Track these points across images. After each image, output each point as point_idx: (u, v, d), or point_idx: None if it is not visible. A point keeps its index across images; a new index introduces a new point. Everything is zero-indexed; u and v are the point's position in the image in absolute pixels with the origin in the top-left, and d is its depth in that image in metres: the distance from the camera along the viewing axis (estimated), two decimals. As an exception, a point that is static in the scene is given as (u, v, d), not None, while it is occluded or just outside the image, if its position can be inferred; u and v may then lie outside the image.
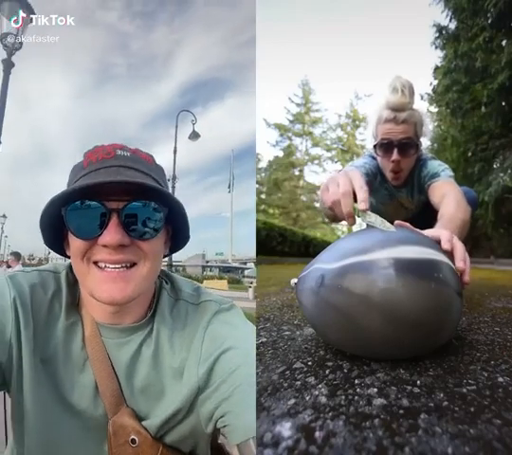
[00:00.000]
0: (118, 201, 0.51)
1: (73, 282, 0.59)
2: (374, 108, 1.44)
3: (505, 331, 0.89)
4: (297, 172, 26.34)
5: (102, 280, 0.50)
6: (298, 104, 25.90)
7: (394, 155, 1.40)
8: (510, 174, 8.22)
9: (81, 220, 0.50)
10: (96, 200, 0.50)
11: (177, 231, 0.60)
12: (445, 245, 0.70)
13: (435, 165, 1.46)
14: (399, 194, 1.67)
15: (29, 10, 3.35)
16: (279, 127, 25.54)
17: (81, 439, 0.55)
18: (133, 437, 0.53)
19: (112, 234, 0.49)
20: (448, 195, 1.27)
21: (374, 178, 1.56)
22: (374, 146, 1.46)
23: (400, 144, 1.38)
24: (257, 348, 0.75)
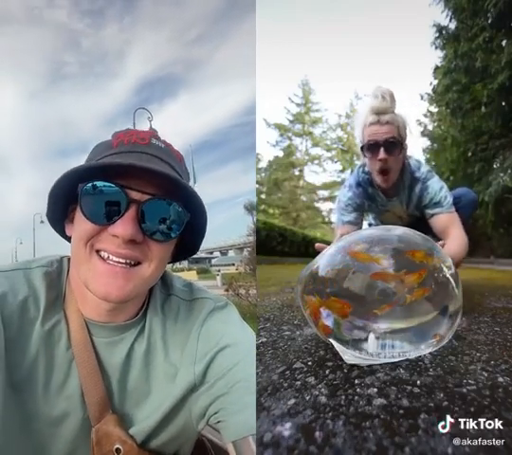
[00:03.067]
0: (141, 192, 0.46)
1: (56, 277, 0.54)
2: (360, 113, 1.55)
3: (505, 331, 0.89)
4: (297, 172, 26.34)
5: (102, 272, 0.46)
6: (298, 104, 25.90)
7: (381, 154, 1.47)
8: (510, 174, 8.21)
9: (96, 202, 0.46)
10: (118, 185, 0.45)
11: (187, 241, 0.55)
12: None
13: (436, 189, 1.56)
14: (391, 204, 1.73)
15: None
16: (279, 127, 25.54)
17: (61, 450, 0.50)
18: (118, 446, 0.50)
19: (126, 226, 0.45)
20: (450, 237, 1.48)
21: (362, 206, 1.73)
22: (362, 148, 1.54)
23: (386, 143, 1.47)
24: (257, 348, 0.75)
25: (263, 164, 25.39)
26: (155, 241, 0.48)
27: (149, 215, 0.47)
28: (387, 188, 1.63)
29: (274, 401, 0.50)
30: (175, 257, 0.57)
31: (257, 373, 0.60)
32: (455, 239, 1.47)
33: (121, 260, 0.47)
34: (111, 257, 0.46)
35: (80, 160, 0.53)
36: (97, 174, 0.45)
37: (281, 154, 26.14)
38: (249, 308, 4.87)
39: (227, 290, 5.09)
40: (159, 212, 0.47)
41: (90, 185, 0.46)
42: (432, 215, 1.56)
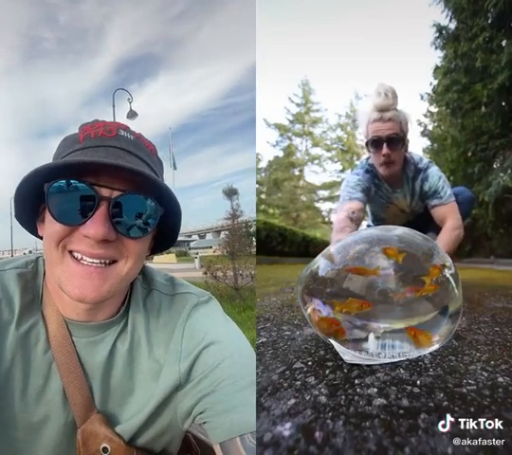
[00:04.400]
0: (111, 189, 0.44)
1: (31, 278, 0.52)
2: (363, 111, 1.65)
3: (505, 331, 0.89)
4: (297, 172, 26.34)
5: (77, 273, 0.44)
6: (298, 104, 25.87)
7: (384, 149, 1.58)
8: (510, 174, 8.19)
9: (64, 202, 0.43)
10: (86, 182, 0.43)
11: (164, 233, 0.54)
12: None
13: (435, 178, 1.67)
14: (395, 196, 1.81)
15: None
16: (279, 127, 25.50)
17: (47, 453, 0.49)
18: (104, 445, 0.49)
19: (97, 226, 0.43)
20: (444, 226, 1.60)
21: (369, 190, 1.79)
22: (366, 143, 1.64)
23: (388, 139, 1.57)
24: (257, 348, 0.75)
25: (263, 164, 25.39)
26: (130, 238, 0.46)
27: (120, 212, 0.45)
28: (390, 177, 1.71)
29: (274, 401, 0.50)
30: (153, 249, 0.56)
31: (257, 373, 0.60)
32: (448, 226, 1.59)
33: (95, 260, 0.45)
34: (84, 258, 0.45)
35: (58, 141, 0.51)
36: (63, 173, 0.43)
37: (281, 154, 26.16)
38: (227, 290, 4.86)
39: (205, 273, 5.01)
40: (131, 208, 0.45)
41: (56, 184, 0.43)
42: (433, 207, 1.68)
